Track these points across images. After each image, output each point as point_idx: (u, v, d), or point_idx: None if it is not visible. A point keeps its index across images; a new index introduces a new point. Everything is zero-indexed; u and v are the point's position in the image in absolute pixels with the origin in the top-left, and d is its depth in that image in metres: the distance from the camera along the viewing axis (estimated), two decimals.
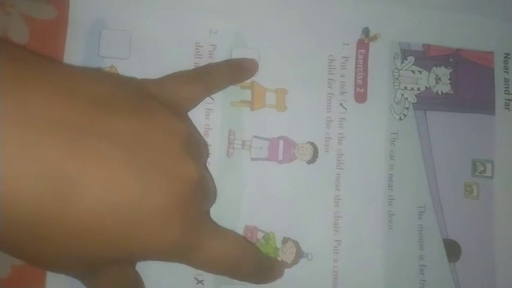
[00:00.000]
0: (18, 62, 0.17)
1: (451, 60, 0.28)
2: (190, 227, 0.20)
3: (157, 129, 0.20)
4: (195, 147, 0.21)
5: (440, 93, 0.28)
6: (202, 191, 0.21)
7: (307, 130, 0.27)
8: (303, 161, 0.27)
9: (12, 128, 0.16)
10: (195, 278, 0.25)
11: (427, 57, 0.28)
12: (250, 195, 0.26)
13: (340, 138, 0.27)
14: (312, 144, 0.27)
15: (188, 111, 0.25)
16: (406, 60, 0.28)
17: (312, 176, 0.27)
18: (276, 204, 0.26)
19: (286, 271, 0.26)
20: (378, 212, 0.27)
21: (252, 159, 0.27)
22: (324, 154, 0.27)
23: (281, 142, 0.27)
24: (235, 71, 0.26)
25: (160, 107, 0.21)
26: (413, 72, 0.28)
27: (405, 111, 0.28)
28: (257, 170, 0.26)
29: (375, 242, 0.27)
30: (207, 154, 0.25)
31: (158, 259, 0.22)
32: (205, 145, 0.25)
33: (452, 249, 0.27)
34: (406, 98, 0.28)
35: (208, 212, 0.25)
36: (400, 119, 0.28)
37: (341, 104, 0.28)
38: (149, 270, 0.25)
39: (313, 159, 0.27)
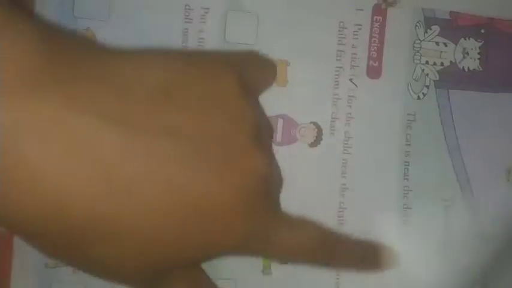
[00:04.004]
0: (63, 58, 0.16)
1: (482, 31, 0.24)
2: (258, 221, 0.19)
3: (223, 120, 0.18)
4: (262, 133, 0.20)
5: (466, 69, 0.24)
6: (271, 183, 0.20)
7: (311, 108, 0.24)
8: (305, 144, 0.24)
9: (62, 127, 0.15)
10: None
11: (454, 27, 0.24)
12: None
13: (349, 118, 0.24)
14: (316, 124, 0.24)
15: (259, 94, 0.23)
16: (430, 29, 0.24)
17: (314, 161, 0.24)
18: None
19: (282, 266, 0.23)
20: (391, 204, 0.24)
21: None
22: (329, 136, 0.24)
23: (280, 121, 0.24)
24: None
25: (229, 90, 0.19)
26: (437, 44, 0.24)
27: (425, 90, 0.24)
28: None
29: (385, 239, 0.23)
30: (272, 136, 0.23)
31: (225, 256, 0.20)
32: (270, 127, 0.23)
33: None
34: (427, 74, 0.24)
35: (278, 202, 0.22)
36: (419, 98, 0.24)
37: (351, 80, 0.24)
38: None
39: (316, 141, 0.24)
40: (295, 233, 0.21)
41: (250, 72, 0.21)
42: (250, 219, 0.18)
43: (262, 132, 0.19)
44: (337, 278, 0.24)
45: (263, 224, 0.19)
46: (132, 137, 0.16)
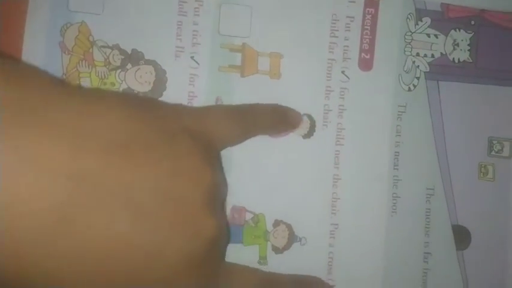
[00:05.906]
0: (21, 102, 0.15)
1: (472, 23, 0.25)
2: (202, 279, 0.19)
3: (180, 180, 0.18)
4: (217, 196, 0.20)
5: (457, 61, 0.25)
6: (219, 244, 0.20)
7: (304, 101, 0.24)
8: (298, 135, 0.24)
9: (10, 176, 0.14)
10: None
11: (445, 18, 0.25)
12: (238, 173, 0.24)
13: (341, 110, 0.24)
14: (309, 116, 0.24)
15: (221, 150, 0.22)
16: (421, 21, 0.25)
17: (308, 152, 0.24)
18: (267, 183, 0.24)
19: (278, 257, 0.24)
20: (382, 194, 0.24)
21: None
22: (322, 128, 0.24)
23: None
24: (279, 120, 0.24)
25: (189, 149, 0.19)
26: (428, 35, 0.25)
27: (415, 81, 0.25)
28: (246, 144, 0.24)
29: (376, 227, 0.24)
30: (226, 194, 0.23)
31: None
32: (225, 186, 0.22)
33: (461, 236, 0.25)
34: (418, 66, 0.25)
35: (223, 255, 0.23)
36: (409, 89, 0.25)
37: (343, 72, 0.24)
38: None
39: (309, 133, 0.24)
40: (236, 281, 0.22)
41: (219, 126, 0.21)
42: (195, 279, 0.18)
43: (217, 193, 0.20)
44: (330, 263, 0.24)
45: (207, 280, 0.19)
46: (83, 194, 0.15)
